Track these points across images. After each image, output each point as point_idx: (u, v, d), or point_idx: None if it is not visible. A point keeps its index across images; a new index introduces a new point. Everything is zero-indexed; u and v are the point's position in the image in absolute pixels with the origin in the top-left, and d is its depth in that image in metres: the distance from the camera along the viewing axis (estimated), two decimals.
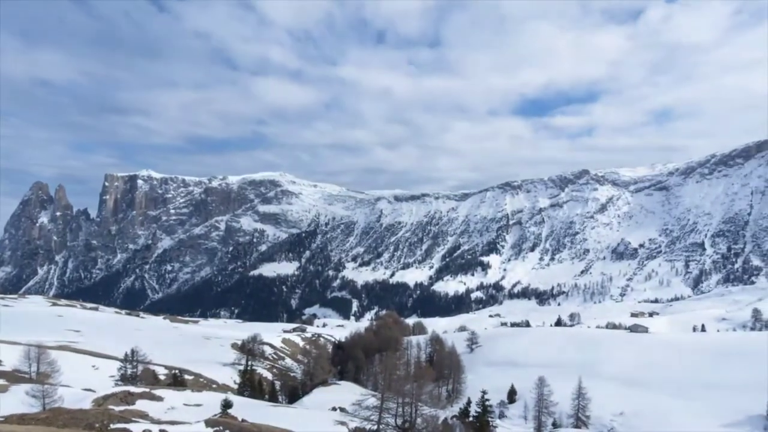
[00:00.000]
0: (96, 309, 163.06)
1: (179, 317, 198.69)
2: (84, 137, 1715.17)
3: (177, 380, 63.43)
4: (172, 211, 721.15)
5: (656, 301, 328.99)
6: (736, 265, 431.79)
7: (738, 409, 69.74)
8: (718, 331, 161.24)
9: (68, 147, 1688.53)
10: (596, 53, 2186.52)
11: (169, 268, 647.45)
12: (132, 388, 45.56)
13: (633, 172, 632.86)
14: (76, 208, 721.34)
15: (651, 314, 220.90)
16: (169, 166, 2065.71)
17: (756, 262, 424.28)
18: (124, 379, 57.24)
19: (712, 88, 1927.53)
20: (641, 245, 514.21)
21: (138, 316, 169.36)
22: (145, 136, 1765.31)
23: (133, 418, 35.08)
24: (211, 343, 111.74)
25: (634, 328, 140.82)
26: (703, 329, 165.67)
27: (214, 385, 73.18)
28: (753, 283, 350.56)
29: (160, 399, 44.44)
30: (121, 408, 38.90)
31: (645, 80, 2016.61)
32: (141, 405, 41.31)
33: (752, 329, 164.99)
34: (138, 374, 60.06)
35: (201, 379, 73.50)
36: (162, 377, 67.45)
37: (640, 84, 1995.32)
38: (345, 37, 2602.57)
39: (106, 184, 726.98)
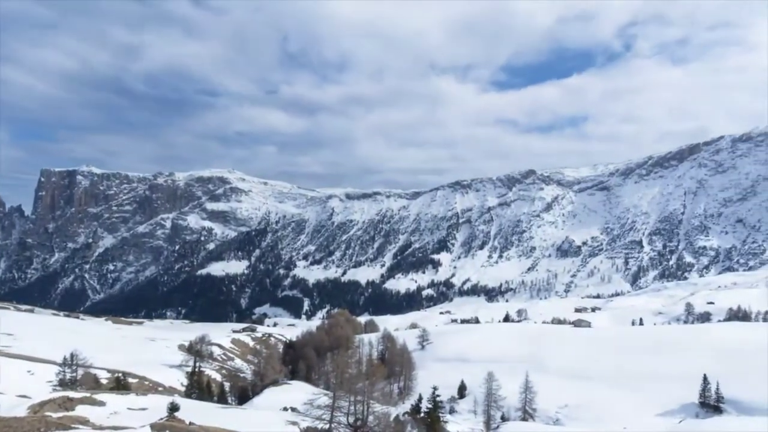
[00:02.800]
0: (31, 311, 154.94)
1: (122, 318, 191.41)
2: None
3: (120, 384, 61.01)
4: (115, 209, 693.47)
5: (598, 296, 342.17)
6: (671, 262, 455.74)
7: (673, 398, 73.76)
8: (654, 324, 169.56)
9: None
10: None
11: (111, 267, 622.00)
12: (71, 393, 43.53)
13: (576, 173, 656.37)
14: (9, 205, 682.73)
15: (593, 309, 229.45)
16: (111, 162, 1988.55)
17: (689, 258, 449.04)
18: (63, 384, 54.56)
19: None
20: (584, 243, 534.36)
21: (78, 317, 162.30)
22: None
23: (73, 425, 33.58)
24: (156, 345, 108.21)
25: (577, 323, 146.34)
26: (641, 323, 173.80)
27: (160, 388, 70.92)
28: (686, 278, 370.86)
29: (102, 404, 42.66)
30: (60, 414, 37.11)
31: None
32: (81, 411, 39.52)
33: (685, 322, 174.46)
34: (78, 379, 57.42)
35: (146, 382, 71.07)
36: (104, 381, 64.74)
37: None
38: None
39: (42, 179, 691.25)
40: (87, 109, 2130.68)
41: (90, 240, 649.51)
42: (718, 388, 69.23)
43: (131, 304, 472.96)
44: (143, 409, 43.30)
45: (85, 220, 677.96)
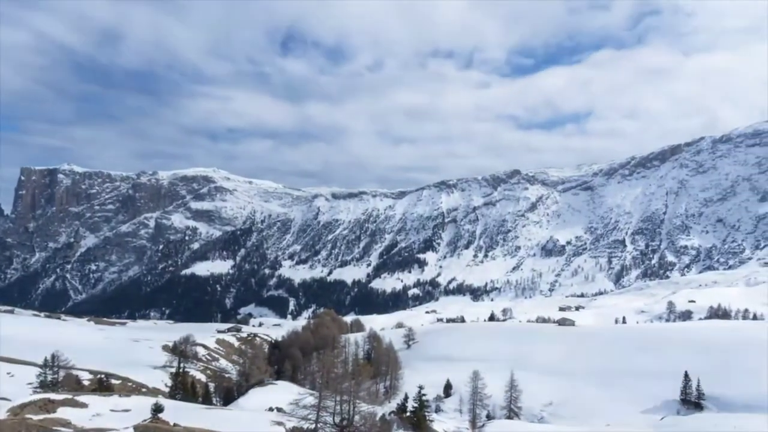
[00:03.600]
0: (11, 312, 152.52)
1: (105, 319, 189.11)
2: None
3: (103, 385, 60.28)
4: (97, 208, 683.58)
5: (582, 295, 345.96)
6: (653, 261, 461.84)
7: (655, 395, 74.83)
8: (637, 322, 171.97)
9: None
10: None
11: (93, 267, 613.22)
12: (53, 396, 42.93)
13: (561, 173, 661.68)
14: None
15: (577, 308, 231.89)
16: (93, 160, 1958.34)
17: (670, 258, 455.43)
18: (44, 386, 53.74)
19: None
20: (568, 242, 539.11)
21: (59, 318, 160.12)
22: None
23: (54, 427, 33.15)
24: (140, 346, 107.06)
25: (562, 322, 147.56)
26: (624, 321, 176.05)
27: (143, 389, 70.20)
28: (668, 277, 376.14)
29: (84, 406, 42.14)
30: (41, 417, 36.57)
31: None
32: (63, 413, 38.99)
33: (667, 320, 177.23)
34: (59, 381, 56.62)
35: (129, 384, 70.31)
36: (86, 383, 63.94)
37: None
38: None
39: (23, 178, 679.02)
40: (64, 100, 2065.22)
41: (72, 239, 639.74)
42: (699, 385, 70.36)
43: (114, 305, 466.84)
44: (126, 410, 42.84)
45: (66, 219, 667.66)
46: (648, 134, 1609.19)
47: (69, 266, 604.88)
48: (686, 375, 72.02)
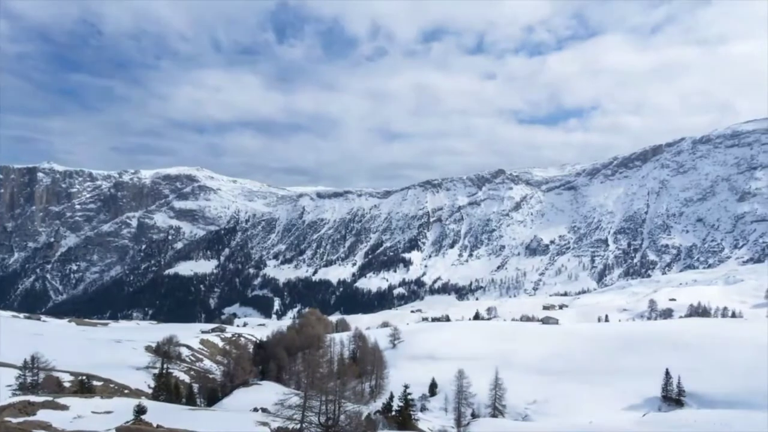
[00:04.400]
0: None
1: (86, 320, 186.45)
2: None
3: (84, 387, 59.46)
4: (78, 207, 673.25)
5: (565, 294, 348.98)
6: (635, 260, 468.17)
7: (637, 392, 75.87)
8: (619, 321, 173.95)
9: None
10: None
11: (74, 267, 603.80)
12: (33, 398, 42.25)
13: (544, 172, 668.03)
14: None
15: (561, 307, 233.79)
16: (74, 159, 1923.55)
17: (652, 257, 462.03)
18: (24, 388, 52.84)
19: None
20: (552, 242, 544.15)
21: (39, 319, 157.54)
22: None
23: (34, 430, 32.63)
24: (122, 347, 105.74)
25: (545, 320, 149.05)
26: (606, 320, 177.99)
27: (126, 391, 69.35)
28: (649, 276, 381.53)
29: (65, 408, 41.55)
30: (20, 419, 35.98)
31: None
32: (43, 415, 38.39)
33: (649, 318, 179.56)
34: (39, 382, 55.69)
35: (111, 385, 69.40)
36: (67, 384, 63.01)
37: None
38: None
39: (1, 176, 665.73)
40: (40, 90, 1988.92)
41: (52, 239, 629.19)
42: (679, 382, 71.41)
43: (96, 305, 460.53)
44: (108, 412, 42.33)
45: (46, 218, 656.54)
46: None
47: (49, 266, 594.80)
48: (667, 372, 73.06)
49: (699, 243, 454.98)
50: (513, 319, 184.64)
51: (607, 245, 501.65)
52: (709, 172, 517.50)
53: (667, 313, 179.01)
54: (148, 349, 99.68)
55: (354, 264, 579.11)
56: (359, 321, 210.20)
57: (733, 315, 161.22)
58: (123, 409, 41.84)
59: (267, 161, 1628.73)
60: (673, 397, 71.54)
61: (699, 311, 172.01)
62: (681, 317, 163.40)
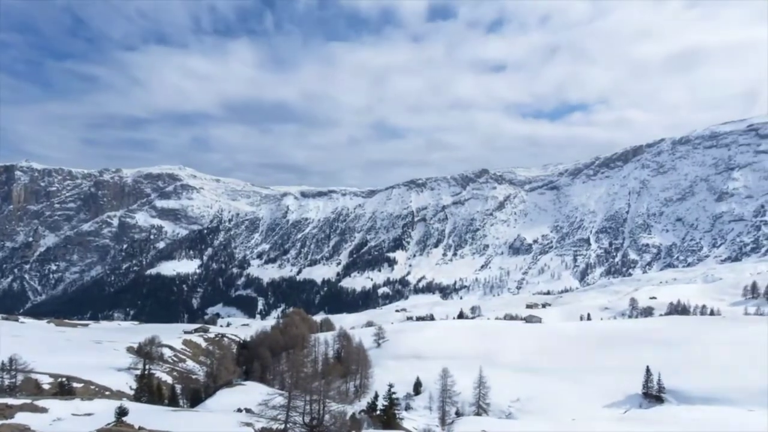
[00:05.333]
0: None
1: (66, 320, 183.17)
2: None
3: (64, 389, 58.54)
4: (57, 206, 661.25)
5: (548, 293, 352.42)
6: (617, 259, 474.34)
7: (619, 389, 76.94)
8: (601, 319, 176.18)
9: None
10: None
11: (53, 267, 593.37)
12: (10, 400, 41.44)
13: (528, 172, 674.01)
14: None
15: (544, 305, 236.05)
16: (53, 157, 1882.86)
17: (633, 256, 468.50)
18: (1, 390, 51.86)
19: None
20: (535, 241, 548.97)
21: (17, 320, 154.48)
22: None
23: None
24: (103, 348, 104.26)
25: (529, 319, 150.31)
26: (588, 318, 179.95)
27: (107, 392, 68.39)
28: (630, 275, 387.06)
29: (44, 410, 40.83)
30: None
31: None
32: (21, 418, 37.69)
33: (630, 317, 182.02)
34: (17, 385, 54.75)
35: (92, 387, 68.36)
36: (46, 386, 61.97)
37: None
38: None
39: None
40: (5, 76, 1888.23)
41: (30, 239, 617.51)
42: (659, 379, 72.57)
43: (76, 306, 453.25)
44: (89, 414, 41.71)
45: (24, 217, 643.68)
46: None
47: (27, 266, 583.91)
48: (648, 370, 74.21)
49: (678, 242, 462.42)
50: (497, 318, 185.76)
51: (589, 244, 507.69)
52: (688, 172, 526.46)
53: (648, 312, 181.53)
54: (129, 350, 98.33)
55: (338, 263, 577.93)
56: (344, 320, 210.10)
57: (712, 313, 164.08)
58: (104, 411, 41.26)
59: (251, 156, 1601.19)
60: (653, 394, 72.69)
61: (679, 309, 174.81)
62: (661, 315, 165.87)
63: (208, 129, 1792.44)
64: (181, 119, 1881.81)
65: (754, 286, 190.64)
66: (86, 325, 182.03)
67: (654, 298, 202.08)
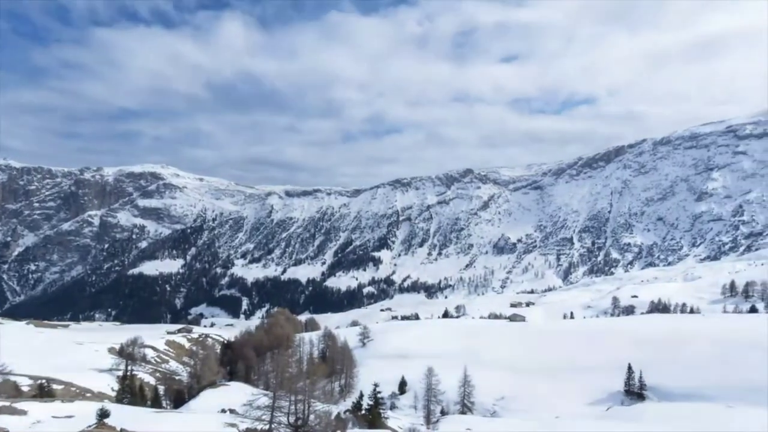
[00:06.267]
0: None
1: (46, 321, 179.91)
2: None
3: (44, 391, 57.58)
4: (36, 205, 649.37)
5: (532, 291, 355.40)
6: (599, 258, 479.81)
7: (601, 387, 77.90)
8: (584, 317, 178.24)
9: None
10: None
11: (32, 267, 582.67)
12: None
13: (512, 172, 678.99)
14: None
15: (528, 304, 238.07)
16: (32, 155, 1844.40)
17: (615, 255, 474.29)
18: None
19: None
20: (519, 240, 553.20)
21: None
22: None
23: None
24: (84, 349, 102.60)
25: (513, 318, 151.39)
26: (572, 316, 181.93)
27: (88, 394, 67.46)
28: (612, 273, 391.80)
29: (23, 413, 40.17)
30: None
31: None
32: (0, 421, 37.03)
33: (612, 315, 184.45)
34: None
35: (73, 388, 67.39)
36: (26, 389, 60.92)
37: None
38: None
39: None
40: None
41: (9, 238, 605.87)
42: (641, 377, 73.65)
43: (56, 306, 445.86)
44: (69, 416, 41.12)
45: (2, 217, 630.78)
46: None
47: (6, 266, 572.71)
48: (629, 367, 75.26)
49: (659, 241, 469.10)
50: (481, 317, 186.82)
51: (572, 244, 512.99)
52: (668, 172, 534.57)
53: (630, 310, 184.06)
54: (111, 351, 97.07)
55: (323, 263, 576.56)
56: (329, 320, 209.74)
57: (692, 311, 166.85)
58: (85, 413, 40.67)
59: (238, 151, 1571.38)
60: (635, 391, 73.75)
61: (659, 307, 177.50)
62: (642, 313, 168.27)
63: (194, 118, 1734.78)
64: (164, 105, 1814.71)
65: (732, 285, 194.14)
66: (66, 326, 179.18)
67: (636, 296, 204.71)
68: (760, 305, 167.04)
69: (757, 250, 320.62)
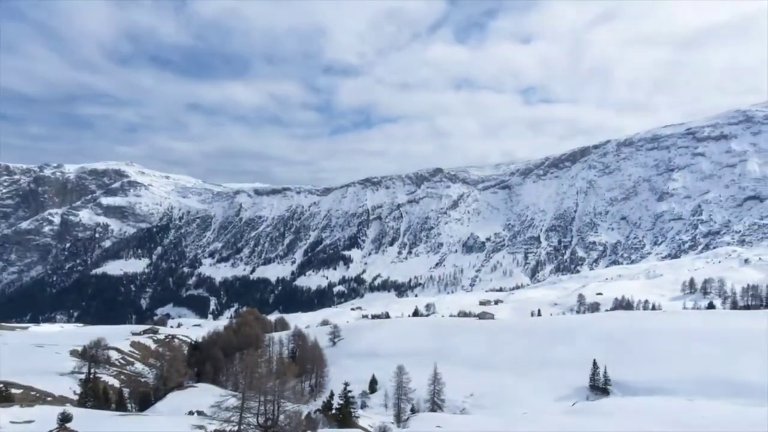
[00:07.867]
0: None
1: (4, 323, 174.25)
2: None
3: (2, 396, 55.52)
4: None
5: (501, 289, 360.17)
6: (565, 256, 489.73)
7: (567, 383, 79.50)
8: (551, 314, 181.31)
9: None
10: None
11: None
12: None
13: (481, 172, 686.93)
14: None
15: (496, 302, 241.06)
16: None
17: (581, 253, 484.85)
18: None
19: None
20: (488, 239, 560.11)
21: None
22: None
23: None
24: (45, 351, 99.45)
25: (482, 316, 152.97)
26: (539, 314, 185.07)
27: (49, 398, 65.39)
28: (578, 272, 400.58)
29: None
30: None
31: None
32: None
33: (578, 312, 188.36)
34: None
35: (33, 393, 65.20)
36: None
37: None
38: None
39: None
40: None
41: None
42: (605, 372, 75.47)
43: (14, 308, 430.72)
44: (29, 421, 39.75)
45: None
46: None
47: None
48: (594, 363, 77.04)
49: (623, 240, 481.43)
50: (451, 315, 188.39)
51: (540, 242, 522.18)
52: (631, 173, 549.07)
53: (595, 307, 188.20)
54: (73, 353, 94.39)
55: (293, 262, 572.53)
56: (299, 319, 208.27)
57: (654, 307, 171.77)
58: (45, 417, 39.35)
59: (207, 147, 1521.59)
60: (599, 387, 75.53)
61: (623, 304, 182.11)
62: (607, 310, 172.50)
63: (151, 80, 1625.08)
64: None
65: (691, 282, 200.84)
66: (26, 328, 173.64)
67: (600, 294, 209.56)
68: (717, 301, 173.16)
69: (714, 248, 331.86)
